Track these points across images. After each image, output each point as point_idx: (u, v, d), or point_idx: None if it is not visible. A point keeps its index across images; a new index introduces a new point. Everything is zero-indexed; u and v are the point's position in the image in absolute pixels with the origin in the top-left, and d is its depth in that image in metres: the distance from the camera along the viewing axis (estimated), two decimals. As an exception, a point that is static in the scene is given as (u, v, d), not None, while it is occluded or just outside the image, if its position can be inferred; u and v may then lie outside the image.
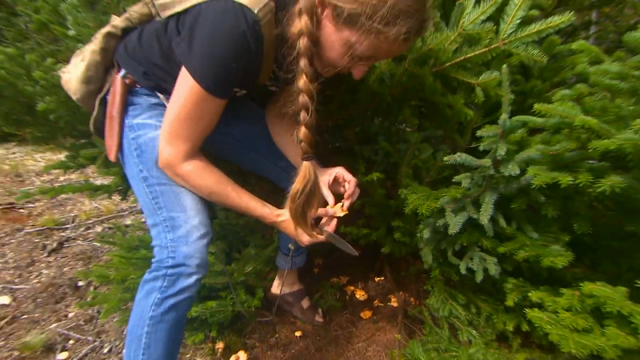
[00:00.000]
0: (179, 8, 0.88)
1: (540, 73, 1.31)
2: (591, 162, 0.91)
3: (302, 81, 0.83)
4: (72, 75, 1.01)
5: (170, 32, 0.90)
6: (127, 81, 0.98)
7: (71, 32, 1.19)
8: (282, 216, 1.00)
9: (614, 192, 0.78)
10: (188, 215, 0.95)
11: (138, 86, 0.99)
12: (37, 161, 3.17)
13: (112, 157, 1.02)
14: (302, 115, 0.85)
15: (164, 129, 0.90)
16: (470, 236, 1.10)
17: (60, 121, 1.37)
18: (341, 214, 1.02)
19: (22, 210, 2.33)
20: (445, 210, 1.01)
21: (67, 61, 1.53)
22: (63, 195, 2.50)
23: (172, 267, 0.93)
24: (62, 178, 2.89)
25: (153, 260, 0.97)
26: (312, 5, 0.78)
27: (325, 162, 1.12)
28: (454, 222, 1.00)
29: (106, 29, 0.99)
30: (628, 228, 0.95)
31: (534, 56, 1.00)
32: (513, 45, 0.99)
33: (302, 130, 0.86)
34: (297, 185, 0.90)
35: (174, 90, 0.87)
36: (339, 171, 1.04)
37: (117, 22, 1.00)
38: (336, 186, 1.06)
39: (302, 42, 0.80)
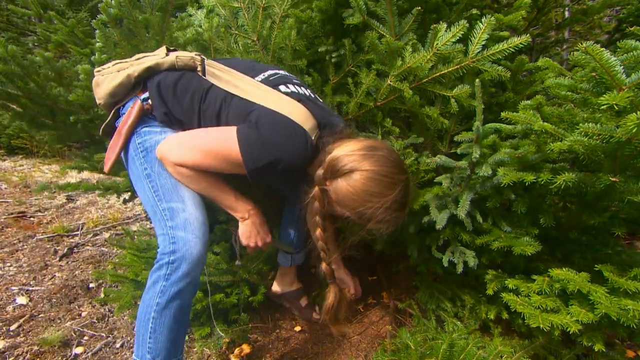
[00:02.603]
0: (232, 90, 1.05)
1: (514, 86, 1.46)
2: (555, 164, 1.05)
3: (317, 232, 1.08)
4: (104, 81, 1.11)
5: (209, 100, 1.05)
6: (146, 107, 1.09)
7: (98, 45, 1.32)
8: (250, 217, 1.15)
9: (568, 187, 0.91)
10: (186, 204, 1.04)
11: (153, 114, 1.10)
12: (43, 173, 3.28)
13: (106, 168, 1.11)
14: (322, 254, 1.11)
15: (184, 139, 1.02)
16: (452, 231, 1.22)
17: (78, 124, 1.49)
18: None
19: (32, 219, 2.43)
20: (430, 207, 1.14)
21: (74, 78, 1.66)
22: (71, 205, 2.61)
23: (173, 252, 0.99)
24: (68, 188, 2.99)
25: (158, 250, 1.04)
26: (322, 181, 1.03)
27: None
28: (440, 218, 1.13)
29: (150, 63, 1.09)
30: (587, 220, 1.07)
31: (498, 71, 1.14)
32: (480, 63, 1.13)
33: (324, 265, 1.13)
34: (329, 302, 1.18)
35: (221, 134, 1.02)
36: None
37: (162, 61, 1.10)
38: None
39: (315, 205, 1.05)
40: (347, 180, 0.98)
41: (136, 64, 1.10)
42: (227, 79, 1.07)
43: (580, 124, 0.78)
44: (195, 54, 1.12)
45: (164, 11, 1.36)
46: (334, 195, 1.02)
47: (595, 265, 1.05)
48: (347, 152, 0.99)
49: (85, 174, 3.12)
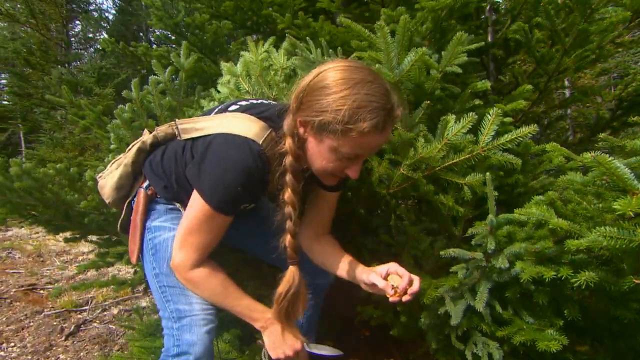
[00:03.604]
0: (195, 134, 1.05)
1: (522, 168, 1.48)
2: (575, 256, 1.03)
3: (287, 194, 0.96)
4: (107, 182, 1.18)
5: (185, 155, 1.07)
6: (149, 192, 1.14)
7: (113, 147, 1.40)
8: (271, 324, 1.08)
9: (590, 286, 0.89)
10: (193, 307, 1.05)
11: (158, 197, 1.14)
12: (57, 241, 3.32)
13: (133, 260, 1.15)
14: (288, 224, 0.98)
15: (177, 237, 1.03)
16: (470, 321, 1.17)
17: (92, 224, 1.55)
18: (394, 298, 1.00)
19: (42, 292, 2.42)
20: (445, 299, 1.10)
21: (95, 147, 1.73)
22: (81, 276, 2.60)
23: (177, 355, 1.00)
24: (80, 258, 3.01)
25: (162, 349, 1.05)
26: (293, 127, 0.95)
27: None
28: (455, 313, 1.08)
29: (137, 144, 1.17)
30: (614, 313, 1.02)
31: (510, 160, 1.16)
32: (491, 152, 1.16)
33: (288, 238, 0.98)
34: (280, 288, 1.00)
35: (188, 206, 1.02)
36: (392, 267, 1.03)
37: (146, 138, 1.18)
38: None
39: (287, 160, 0.95)
40: (316, 86, 0.88)
41: (128, 153, 1.17)
42: (190, 127, 1.07)
43: (598, 228, 0.78)
44: (172, 121, 1.15)
45: (174, 111, 1.46)
46: (307, 111, 0.89)
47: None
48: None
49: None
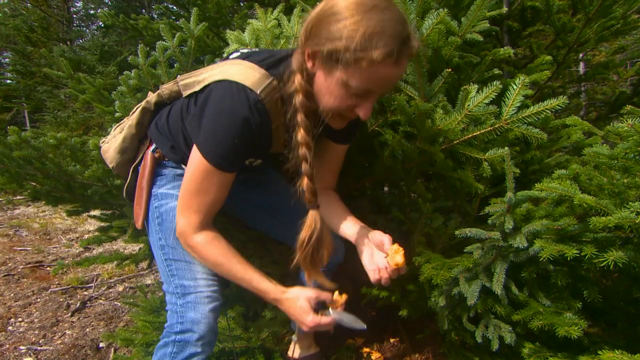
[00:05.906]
0: (197, 88, 0.98)
1: (540, 144, 1.41)
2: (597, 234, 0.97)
3: (300, 134, 0.89)
4: (111, 145, 1.13)
5: (190, 109, 1.00)
6: (157, 155, 1.09)
7: (117, 115, 1.35)
8: (286, 293, 1.01)
9: (617, 265, 0.83)
10: (198, 283, 1.02)
11: (166, 159, 1.10)
12: (64, 219, 3.32)
13: (139, 224, 1.11)
14: (303, 166, 0.91)
15: (179, 201, 0.98)
16: (484, 303, 1.13)
17: (95, 196, 1.51)
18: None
19: (48, 269, 2.43)
20: (459, 280, 1.06)
21: (98, 126, 1.69)
22: (87, 254, 2.61)
23: (180, 332, 0.98)
24: (86, 236, 3.01)
25: (165, 325, 1.03)
26: (302, 62, 0.88)
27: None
28: (471, 293, 1.04)
29: (142, 104, 1.12)
30: (637, 294, 0.98)
31: (534, 134, 1.09)
32: (515, 125, 1.09)
33: (305, 181, 0.91)
34: (303, 233, 0.93)
35: (188, 163, 0.96)
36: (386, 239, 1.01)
37: (150, 97, 1.13)
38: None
39: (297, 99, 0.88)
40: (325, 13, 0.81)
41: (132, 115, 1.12)
42: (192, 81, 1.00)
43: (631, 204, 0.72)
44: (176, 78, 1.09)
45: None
46: (315, 40, 0.83)
47: (652, 350, 0.93)
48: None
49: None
